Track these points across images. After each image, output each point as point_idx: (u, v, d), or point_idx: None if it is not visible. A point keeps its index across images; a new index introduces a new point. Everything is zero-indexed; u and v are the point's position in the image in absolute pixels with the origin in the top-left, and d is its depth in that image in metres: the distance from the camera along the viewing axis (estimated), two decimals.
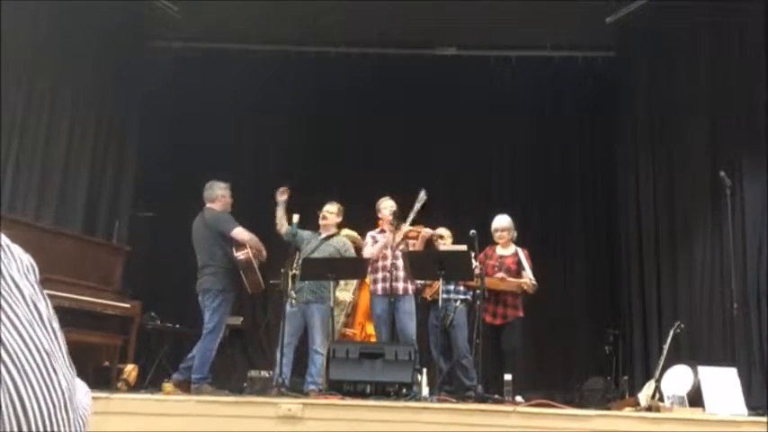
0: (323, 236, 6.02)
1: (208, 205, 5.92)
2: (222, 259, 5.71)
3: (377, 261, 6.00)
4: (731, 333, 5.88)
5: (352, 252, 6.08)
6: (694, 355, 6.27)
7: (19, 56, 6.67)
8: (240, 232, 5.73)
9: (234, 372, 6.87)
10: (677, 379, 5.30)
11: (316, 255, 5.85)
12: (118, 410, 4.08)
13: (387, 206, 6.08)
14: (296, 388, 5.53)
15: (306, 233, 6.08)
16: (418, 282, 6.13)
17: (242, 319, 7.88)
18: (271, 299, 7.34)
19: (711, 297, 6.81)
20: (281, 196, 5.96)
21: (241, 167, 8.88)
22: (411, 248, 5.94)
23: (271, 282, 6.54)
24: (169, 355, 6.93)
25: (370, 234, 6.20)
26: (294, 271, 5.86)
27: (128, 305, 6.40)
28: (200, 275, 5.76)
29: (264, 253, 5.89)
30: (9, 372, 0.50)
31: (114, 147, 7.79)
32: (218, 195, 5.92)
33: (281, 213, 5.98)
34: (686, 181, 7.20)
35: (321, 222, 6.04)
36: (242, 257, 5.68)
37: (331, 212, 6.07)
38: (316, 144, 8.86)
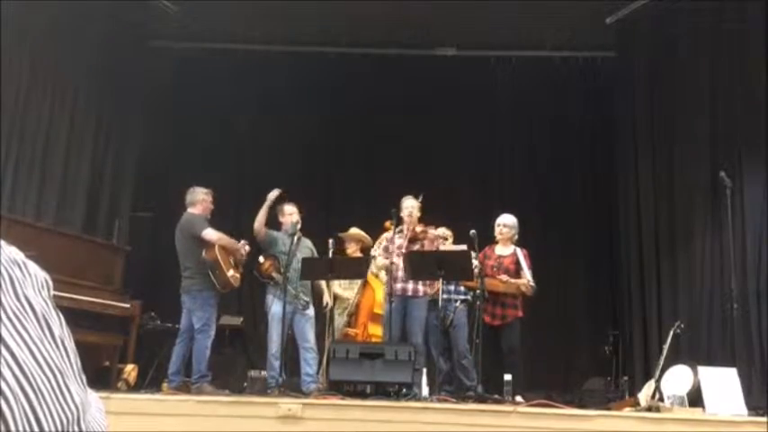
0: (295, 237, 6.01)
1: (188, 210, 5.95)
2: (198, 260, 5.74)
3: (393, 262, 5.99)
4: (731, 333, 5.87)
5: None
6: (694, 355, 6.27)
7: (19, 56, 6.67)
8: (210, 233, 5.75)
9: (234, 372, 6.86)
10: (677, 379, 5.30)
11: (298, 256, 5.87)
12: (118, 410, 4.08)
13: (406, 206, 6.04)
14: (295, 388, 5.53)
15: (278, 234, 6.10)
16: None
17: (242, 319, 7.89)
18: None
19: (711, 297, 6.81)
20: (273, 197, 5.97)
21: (241, 167, 8.90)
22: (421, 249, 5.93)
23: (268, 283, 6.55)
24: (169, 355, 6.93)
25: (385, 236, 6.17)
26: (280, 273, 5.89)
27: (128, 305, 6.40)
28: (182, 277, 5.82)
29: (242, 252, 5.90)
30: (24, 389, 0.51)
31: (114, 147, 7.79)
32: (198, 200, 5.95)
33: (263, 216, 5.98)
34: (686, 181, 7.20)
35: (297, 226, 6.04)
36: (207, 257, 5.70)
37: (298, 214, 6.13)
38: (315, 144, 8.86)
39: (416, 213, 6.00)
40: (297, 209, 6.18)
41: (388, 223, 6.44)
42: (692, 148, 7.19)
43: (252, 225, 6.12)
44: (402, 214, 6.02)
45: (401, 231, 6.06)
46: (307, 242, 6.21)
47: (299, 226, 6.06)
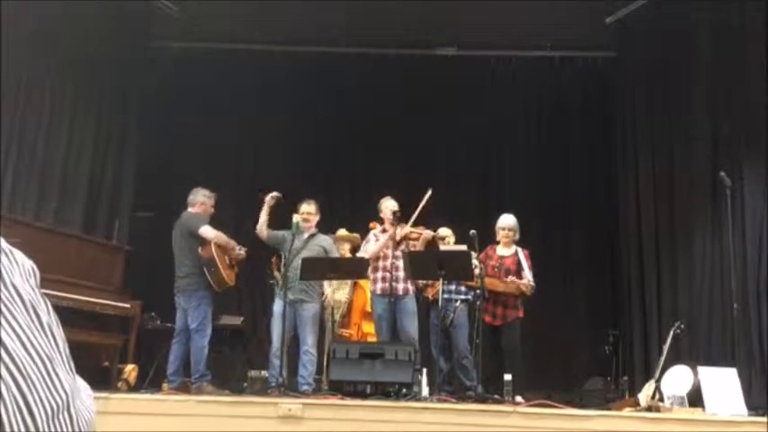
0: (306, 235, 5.99)
1: (188, 209, 5.94)
2: (195, 259, 5.72)
3: (377, 260, 5.99)
4: (731, 333, 5.87)
5: (335, 251, 6.13)
6: (694, 355, 6.27)
7: (19, 56, 6.67)
8: (207, 230, 5.74)
9: (234, 372, 6.86)
10: (677, 379, 5.30)
11: (304, 254, 5.83)
12: (118, 410, 4.08)
13: (387, 206, 6.07)
14: (294, 388, 5.53)
15: (284, 233, 6.07)
16: (420, 281, 6.12)
17: (242, 319, 7.88)
18: (271, 299, 7.34)
19: (711, 297, 6.81)
20: (271, 201, 5.94)
21: (241, 167, 8.90)
22: (411, 249, 5.94)
23: (271, 282, 6.55)
24: (169, 355, 6.93)
25: (372, 233, 6.18)
26: (281, 272, 5.86)
27: (128, 305, 6.40)
28: (176, 277, 5.80)
29: (238, 251, 5.86)
30: (14, 376, 0.51)
31: (114, 147, 7.79)
32: (198, 201, 5.95)
33: (264, 218, 5.95)
34: (686, 181, 7.20)
35: (304, 225, 6.01)
36: (203, 254, 5.68)
37: (311, 213, 6.05)
38: (316, 144, 8.85)
39: (389, 216, 5.99)
40: (313, 208, 6.07)
41: (372, 224, 6.46)
42: (692, 148, 7.20)
43: (251, 225, 6.11)
44: (382, 215, 6.04)
45: (384, 231, 6.08)
46: (320, 240, 6.05)
47: (304, 225, 6.01)
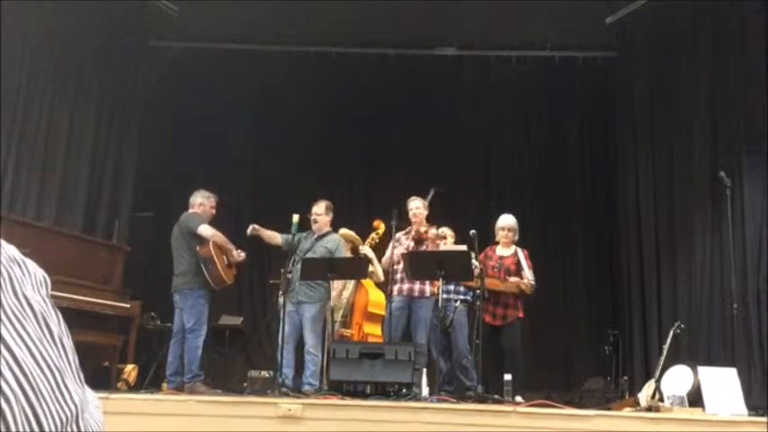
0: (315, 236, 6.00)
1: (189, 210, 5.96)
2: (192, 258, 5.72)
3: (398, 263, 5.97)
4: (731, 333, 5.87)
5: (343, 251, 6.07)
6: (694, 355, 6.27)
7: (19, 56, 6.67)
8: (205, 229, 5.73)
9: (234, 372, 6.87)
10: (677, 379, 5.30)
11: (310, 255, 5.83)
12: (118, 410, 4.08)
13: (410, 207, 6.03)
14: (297, 388, 5.54)
15: (300, 234, 6.05)
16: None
17: (242, 319, 7.89)
18: (271, 299, 7.35)
19: (711, 297, 6.80)
20: (255, 232, 5.94)
21: (241, 167, 8.90)
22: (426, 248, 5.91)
23: (271, 282, 6.55)
24: (168, 356, 6.93)
25: (395, 238, 6.13)
26: (288, 273, 5.85)
27: (128, 305, 6.41)
28: (174, 276, 5.80)
29: (236, 253, 5.85)
30: (23, 388, 0.51)
31: (114, 147, 7.79)
32: (198, 202, 5.94)
33: (268, 233, 5.97)
34: (686, 181, 7.20)
35: (313, 225, 6.03)
36: (202, 253, 5.68)
37: (319, 213, 6.04)
38: (316, 144, 8.86)
39: (423, 212, 5.98)
40: (321, 208, 6.04)
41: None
42: (692, 149, 7.20)
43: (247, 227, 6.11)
44: (410, 216, 6.03)
45: (408, 233, 6.06)
46: (325, 241, 6.01)
47: (313, 226, 6.00)
